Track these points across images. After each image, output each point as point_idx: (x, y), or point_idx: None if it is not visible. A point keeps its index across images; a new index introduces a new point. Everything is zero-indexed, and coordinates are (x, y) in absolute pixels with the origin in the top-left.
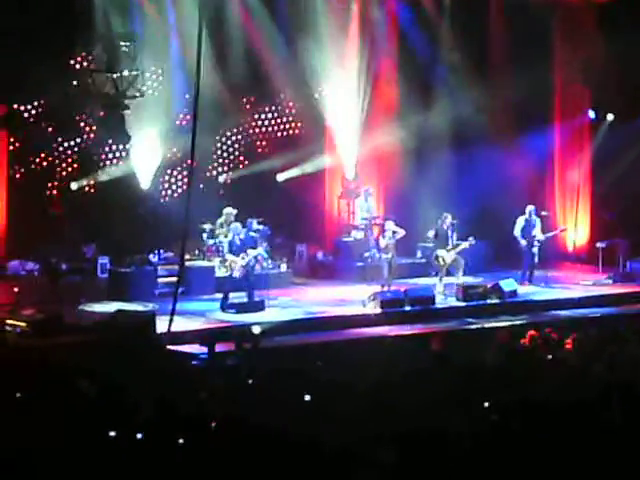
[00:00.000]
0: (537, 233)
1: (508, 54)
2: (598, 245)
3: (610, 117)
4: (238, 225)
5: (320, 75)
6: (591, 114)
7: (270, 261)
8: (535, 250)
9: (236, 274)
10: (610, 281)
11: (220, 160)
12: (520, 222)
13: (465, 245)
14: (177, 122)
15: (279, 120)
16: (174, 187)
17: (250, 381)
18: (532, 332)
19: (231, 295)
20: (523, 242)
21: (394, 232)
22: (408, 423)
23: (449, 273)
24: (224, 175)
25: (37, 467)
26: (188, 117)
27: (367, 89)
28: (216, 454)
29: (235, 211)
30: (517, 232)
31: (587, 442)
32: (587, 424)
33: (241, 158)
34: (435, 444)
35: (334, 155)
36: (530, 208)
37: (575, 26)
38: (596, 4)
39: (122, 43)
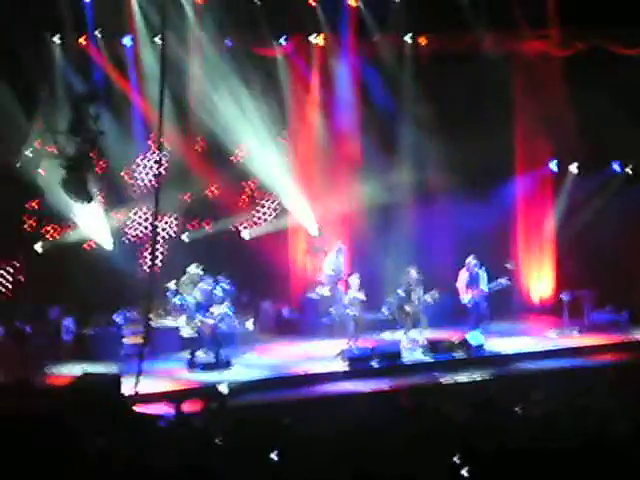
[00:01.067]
0: (482, 286)
1: (470, 108)
2: (563, 296)
3: (573, 168)
4: (205, 285)
5: (281, 132)
6: (553, 166)
7: (236, 318)
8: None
9: (203, 333)
10: (576, 332)
11: (183, 219)
12: (462, 276)
13: (429, 299)
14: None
15: (242, 178)
16: (138, 248)
17: (218, 440)
18: (501, 384)
19: (198, 354)
20: (465, 297)
21: (358, 288)
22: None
23: (415, 326)
24: (188, 233)
25: None
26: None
27: (329, 145)
28: None
29: (200, 269)
30: (459, 286)
31: None
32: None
33: (204, 217)
34: None
35: (298, 212)
36: (471, 260)
37: (535, 79)
38: (555, 57)
39: (84, 104)
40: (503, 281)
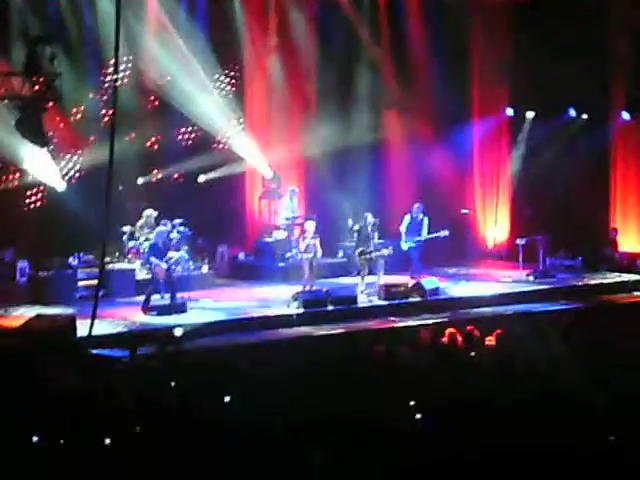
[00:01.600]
0: (423, 233)
1: (427, 54)
2: (518, 242)
3: (530, 115)
4: (162, 228)
5: (238, 75)
6: (509, 112)
7: (191, 263)
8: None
9: (158, 276)
10: (531, 277)
11: (139, 161)
12: (405, 221)
13: (384, 252)
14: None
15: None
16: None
17: (172, 383)
18: (451, 330)
19: (153, 297)
20: (405, 244)
21: (313, 233)
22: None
23: (370, 272)
24: (143, 177)
25: None
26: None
27: (285, 89)
28: (142, 457)
29: (155, 213)
30: (402, 233)
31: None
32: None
33: (161, 160)
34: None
35: (254, 155)
36: (415, 206)
37: (492, 26)
38: (511, 4)
39: (39, 45)
40: (442, 233)
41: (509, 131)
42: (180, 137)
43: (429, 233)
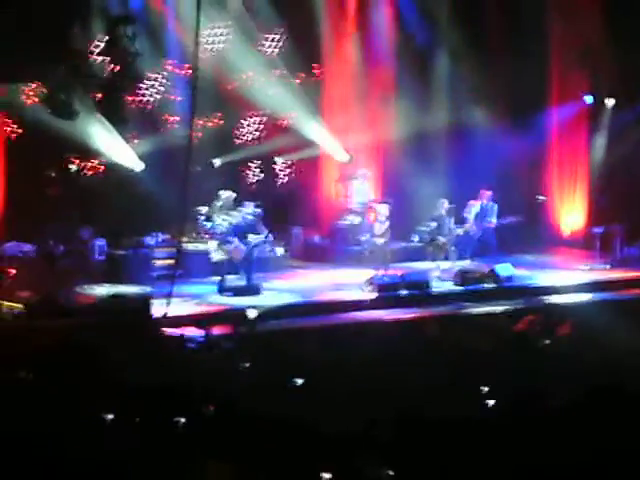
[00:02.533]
0: (492, 219)
1: (505, 39)
2: (594, 230)
3: (610, 102)
4: (243, 210)
5: (315, 59)
6: (589, 99)
7: (268, 245)
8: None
9: (236, 258)
10: (607, 266)
11: (216, 143)
12: (474, 208)
13: (460, 231)
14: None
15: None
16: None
17: (246, 365)
18: (526, 317)
19: (229, 278)
20: (473, 229)
21: (386, 217)
22: (404, 406)
23: (446, 258)
24: (220, 159)
25: (36, 448)
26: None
27: (363, 73)
28: (213, 438)
29: (234, 195)
30: (470, 218)
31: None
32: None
33: (237, 142)
34: (432, 427)
35: (329, 140)
36: (486, 193)
37: (572, 10)
38: None
39: (120, 26)
40: (513, 219)
41: (588, 118)
42: (255, 120)
43: (498, 219)
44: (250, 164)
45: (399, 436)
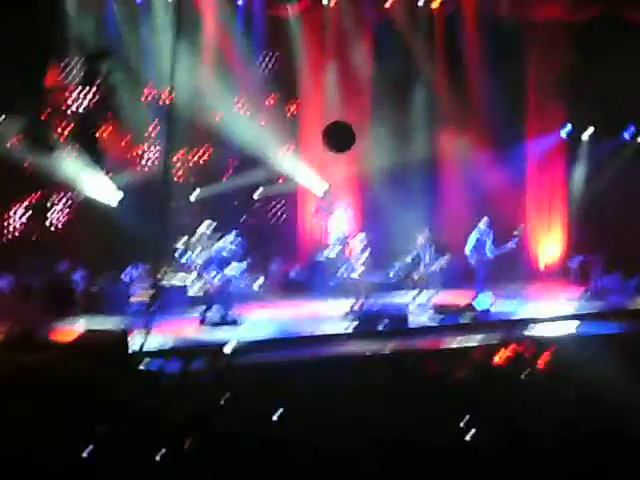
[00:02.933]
0: (487, 250)
1: (483, 70)
2: (572, 261)
3: (586, 135)
4: (219, 243)
5: (292, 92)
6: (566, 131)
7: (245, 278)
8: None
9: (212, 291)
10: (584, 298)
11: (192, 177)
12: (472, 237)
13: (437, 267)
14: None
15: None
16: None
17: (223, 399)
18: (503, 350)
19: (207, 311)
20: (472, 260)
21: (363, 249)
22: (384, 437)
23: (424, 290)
24: (196, 191)
25: None
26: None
27: (340, 105)
28: (191, 471)
29: (210, 227)
30: (468, 248)
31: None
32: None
33: (215, 174)
34: (413, 457)
35: (306, 173)
36: (481, 224)
37: (548, 44)
38: (569, 23)
39: (97, 60)
40: (509, 244)
41: (564, 150)
42: (231, 154)
43: (496, 247)
44: (228, 197)
45: (381, 466)
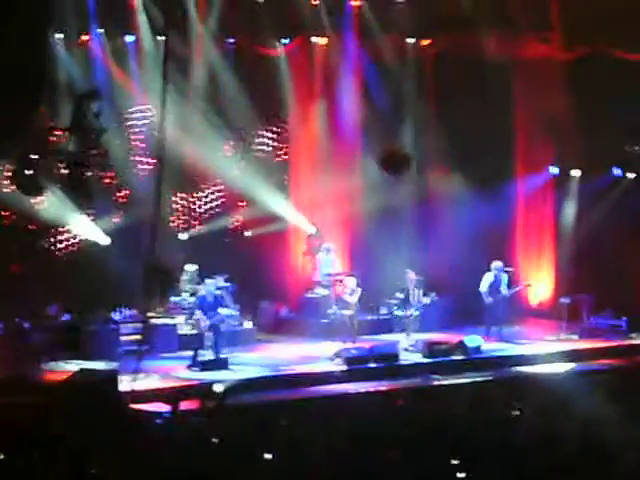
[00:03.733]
0: (503, 289)
1: (471, 110)
2: (562, 301)
3: (575, 172)
4: (210, 283)
5: (281, 133)
6: (554, 169)
7: (236, 319)
8: (501, 306)
9: (202, 332)
10: (575, 337)
11: (182, 217)
12: (488, 278)
13: (427, 301)
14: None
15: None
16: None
17: (215, 440)
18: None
19: (197, 352)
20: (489, 299)
21: (353, 290)
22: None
23: (412, 328)
24: (185, 232)
25: None
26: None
27: (329, 145)
28: None
29: (195, 267)
30: (484, 288)
31: None
32: None
33: (204, 215)
34: None
35: (296, 213)
36: (497, 264)
37: (537, 82)
38: (558, 61)
39: (85, 101)
40: (521, 286)
41: (553, 188)
42: (220, 194)
43: (509, 288)
44: (217, 237)
45: None
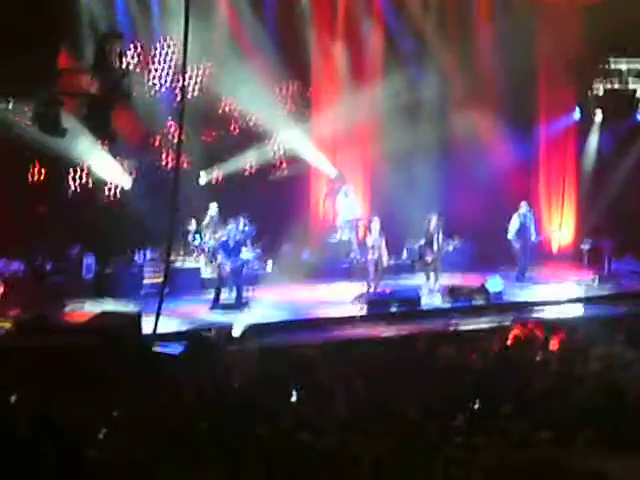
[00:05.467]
0: (531, 234)
1: (493, 52)
2: (583, 245)
3: (598, 117)
4: (232, 226)
5: (303, 73)
6: (577, 114)
7: (256, 262)
8: (527, 250)
9: (224, 274)
10: (595, 281)
11: (203, 160)
12: (515, 223)
13: (450, 247)
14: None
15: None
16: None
17: (236, 381)
18: (515, 332)
19: (219, 294)
20: (516, 244)
21: (377, 233)
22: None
23: (434, 273)
24: (206, 174)
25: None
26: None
27: (352, 89)
28: (203, 455)
29: (221, 211)
30: (511, 233)
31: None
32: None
33: (225, 157)
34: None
35: (318, 155)
36: (523, 209)
37: (560, 25)
38: (581, 5)
39: (108, 42)
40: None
41: (576, 133)
42: (242, 134)
43: (536, 233)
44: (238, 180)
45: (395, 456)
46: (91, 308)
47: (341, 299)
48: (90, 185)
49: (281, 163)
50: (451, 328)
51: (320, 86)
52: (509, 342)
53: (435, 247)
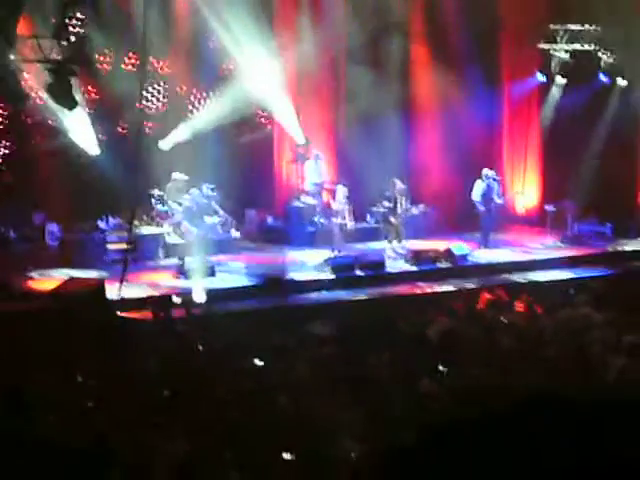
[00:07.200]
0: (495, 197)
1: (456, 21)
2: (547, 208)
3: (560, 79)
4: (196, 192)
5: (271, 41)
6: (540, 76)
7: (221, 227)
8: (492, 214)
9: (189, 240)
10: (560, 244)
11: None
12: (479, 187)
13: (414, 211)
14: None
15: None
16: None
17: (200, 347)
18: (486, 295)
19: (184, 260)
20: (482, 207)
21: (346, 197)
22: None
23: (399, 236)
24: (170, 139)
25: None
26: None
27: (315, 53)
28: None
29: (185, 177)
30: (476, 196)
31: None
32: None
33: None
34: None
35: (283, 119)
36: (488, 172)
37: None
38: None
39: (70, 8)
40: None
41: (539, 96)
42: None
43: (500, 196)
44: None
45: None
46: (55, 275)
47: (307, 263)
48: (54, 152)
49: (246, 126)
50: (417, 291)
51: (285, 50)
52: (477, 305)
53: (399, 209)
